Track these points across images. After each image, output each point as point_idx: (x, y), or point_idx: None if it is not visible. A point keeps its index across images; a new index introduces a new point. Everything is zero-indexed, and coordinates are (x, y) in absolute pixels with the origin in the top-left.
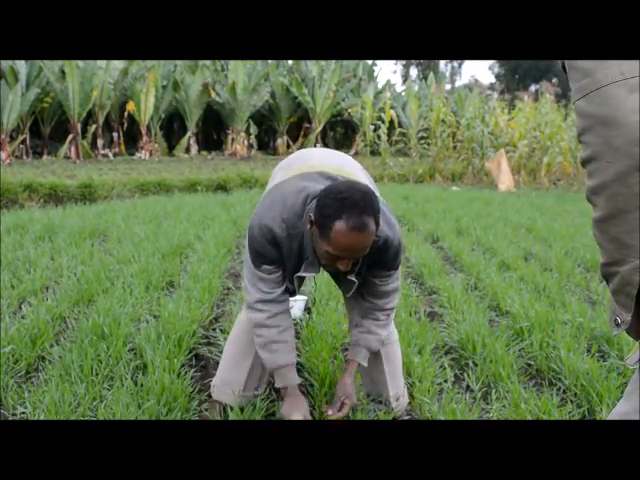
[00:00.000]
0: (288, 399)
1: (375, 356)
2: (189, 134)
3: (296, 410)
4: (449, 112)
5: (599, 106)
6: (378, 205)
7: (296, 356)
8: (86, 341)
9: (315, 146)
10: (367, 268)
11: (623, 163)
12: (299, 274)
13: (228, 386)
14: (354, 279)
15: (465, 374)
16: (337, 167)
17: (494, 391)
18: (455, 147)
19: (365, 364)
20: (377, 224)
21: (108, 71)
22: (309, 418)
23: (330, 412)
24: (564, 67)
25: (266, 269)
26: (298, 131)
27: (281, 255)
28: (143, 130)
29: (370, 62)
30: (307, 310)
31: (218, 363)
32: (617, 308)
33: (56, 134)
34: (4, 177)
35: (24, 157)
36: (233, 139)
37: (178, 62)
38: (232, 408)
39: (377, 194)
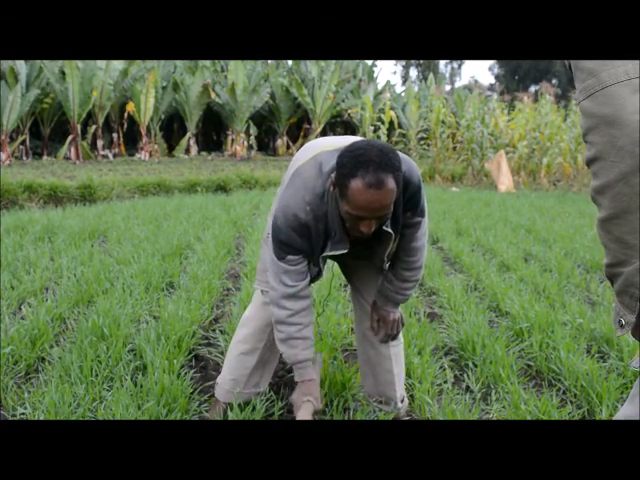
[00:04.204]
0: (301, 385)
1: (383, 357)
2: (189, 135)
3: (308, 394)
4: (449, 113)
5: (604, 106)
6: (398, 162)
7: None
8: (86, 342)
9: None
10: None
11: (627, 163)
12: (326, 253)
13: (231, 385)
14: (389, 230)
15: (465, 375)
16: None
17: (494, 392)
18: (455, 148)
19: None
20: (397, 182)
21: (108, 72)
22: (319, 404)
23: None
24: (570, 67)
25: (291, 260)
26: (298, 132)
27: (309, 241)
28: (143, 131)
29: (370, 63)
30: None
31: (218, 364)
32: (621, 309)
33: (56, 135)
34: (4, 178)
35: (24, 158)
36: (233, 140)
37: (178, 63)
38: (232, 408)
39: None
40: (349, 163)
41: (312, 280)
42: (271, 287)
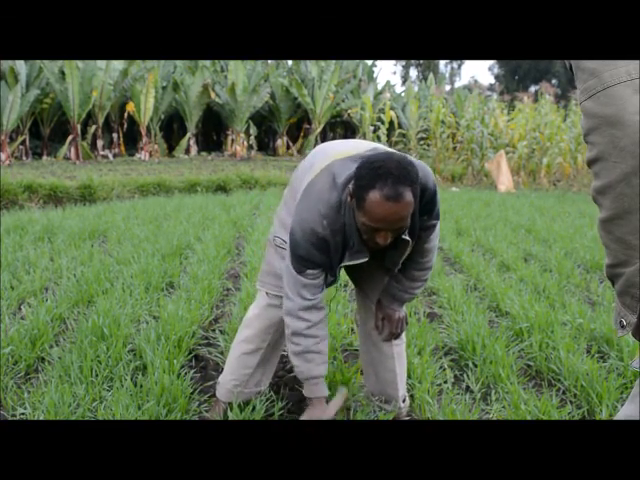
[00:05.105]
0: (311, 408)
1: (385, 356)
2: (189, 135)
3: (317, 417)
4: (449, 113)
5: (605, 106)
6: (416, 175)
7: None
8: (86, 342)
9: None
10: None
11: (628, 164)
12: (345, 263)
13: (233, 385)
14: (407, 237)
15: (465, 375)
16: (367, 148)
17: (494, 392)
18: (455, 148)
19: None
20: (415, 195)
21: (108, 72)
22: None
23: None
24: (571, 67)
25: (310, 274)
26: (298, 132)
27: (327, 255)
28: (143, 131)
29: (370, 63)
30: None
31: (218, 364)
32: (622, 310)
33: (56, 135)
34: (4, 178)
35: (24, 158)
36: (233, 140)
37: (178, 63)
38: (232, 408)
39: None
40: (368, 175)
41: (327, 286)
42: (288, 298)
